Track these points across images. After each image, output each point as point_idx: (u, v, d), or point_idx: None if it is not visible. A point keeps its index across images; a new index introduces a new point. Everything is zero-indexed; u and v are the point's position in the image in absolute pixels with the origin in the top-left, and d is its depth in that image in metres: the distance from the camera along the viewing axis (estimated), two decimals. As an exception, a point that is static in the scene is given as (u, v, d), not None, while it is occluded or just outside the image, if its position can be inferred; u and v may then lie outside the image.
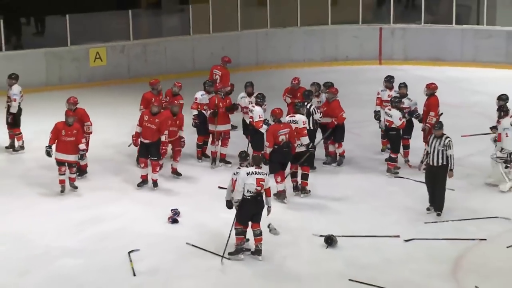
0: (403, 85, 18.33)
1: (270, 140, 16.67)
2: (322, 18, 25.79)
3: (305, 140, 17.03)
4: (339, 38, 25.67)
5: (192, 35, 25.11)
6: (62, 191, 16.72)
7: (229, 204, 14.70)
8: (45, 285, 13.91)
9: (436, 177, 15.67)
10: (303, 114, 17.31)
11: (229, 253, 14.34)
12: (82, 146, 16.39)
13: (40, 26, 25.54)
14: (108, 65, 24.06)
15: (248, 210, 14.34)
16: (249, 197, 14.18)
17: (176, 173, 18.01)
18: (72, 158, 16.43)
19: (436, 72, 22.58)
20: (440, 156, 15.45)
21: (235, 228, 14.46)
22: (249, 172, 14.29)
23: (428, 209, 15.89)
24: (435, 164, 15.54)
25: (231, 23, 25.29)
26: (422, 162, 15.94)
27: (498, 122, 17.13)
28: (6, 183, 17.91)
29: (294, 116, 17.14)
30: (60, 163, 16.64)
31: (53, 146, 16.91)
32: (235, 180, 14.42)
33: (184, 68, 24.29)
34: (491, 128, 17.36)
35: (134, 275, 14.08)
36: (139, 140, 17.09)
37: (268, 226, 15.05)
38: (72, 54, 23.90)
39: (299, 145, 16.92)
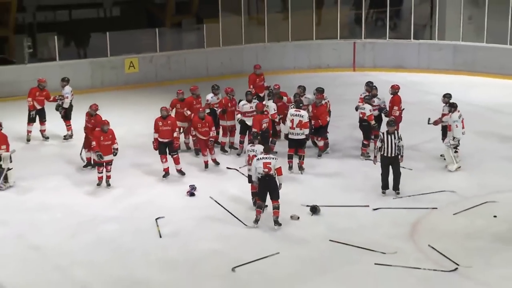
0: (374, 87, 18.29)
1: (257, 126, 16.84)
2: (308, 35, 25.70)
3: (307, 131, 17.05)
4: (322, 50, 25.58)
5: (206, 48, 25.04)
6: (99, 185, 16.40)
7: (249, 179, 14.96)
8: (91, 245, 13.98)
9: (392, 165, 15.59)
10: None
11: (254, 221, 14.48)
12: (115, 146, 16.20)
13: (86, 41, 25.37)
14: (139, 72, 23.97)
15: (262, 187, 14.37)
16: (260, 177, 14.28)
17: (215, 162, 17.75)
18: (109, 157, 16.19)
19: (398, 77, 22.46)
20: (395, 148, 15.41)
21: (256, 202, 14.66)
22: (258, 158, 14.43)
23: (383, 193, 15.78)
24: (391, 155, 15.45)
25: (237, 38, 25.21)
26: (375, 156, 15.80)
27: (444, 115, 17.20)
28: (58, 164, 17.88)
29: (299, 111, 17.07)
30: (99, 164, 16.31)
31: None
32: (251, 156, 14.89)
33: (199, 74, 24.18)
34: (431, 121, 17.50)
35: (160, 237, 14.24)
36: (158, 141, 16.75)
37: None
38: (111, 63, 23.81)
39: (301, 134, 16.93)
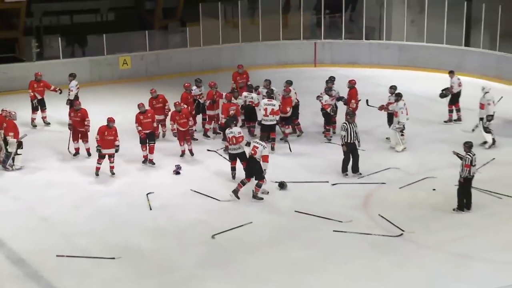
0: (330, 80, 18.30)
1: (224, 113, 16.91)
2: (276, 36, 25.63)
3: (277, 117, 17.01)
4: (288, 49, 25.50)
5: (189, 47, 24.87)
6: (97, 174, 15.92)
7: (229, 156, 15.64)
8: (91, 216, 13.97)
9: (353, 150, 15.59)
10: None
11: (232, 191, 14.52)
12: (117, 142, 15.88)
13: (86, 42, 25.11)
14: (132, 68, 23.78)
15: (247, 167, 14.64)
16: (249, 158, 14.58)
17: (191, 153, 17.26)
18: (111, 151, 15.85)
19: (352, 71, 22.52)
20: (354, 135, 15.44)
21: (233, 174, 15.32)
22: (250, 142, 14.88)
23: (346, 175, 15.68)
24: (352, 141, 15.46)
25: (215, 39, 25.07)
26: (343, 145, 15.66)
27: (390, 104, 17.28)
28: (62, 147, 17.58)
29: (272, 101, 17.04)
30: (101, 156, 15.84)
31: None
32: (230, 137, 15.16)
33: (183, 70, 24.03)
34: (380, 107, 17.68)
35: (151, 209, 14.22)
36: (143, 132, 16.48)
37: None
38: (107, 60, 23.58)
39: (273, 120, 16.89)
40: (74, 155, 17.15)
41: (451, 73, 19.32)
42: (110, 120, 15.76)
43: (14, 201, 14.64)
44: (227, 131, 15.64)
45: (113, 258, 12.22)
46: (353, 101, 17.87)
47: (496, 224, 13.36)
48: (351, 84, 18.15)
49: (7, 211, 14.15)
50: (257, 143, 14.60)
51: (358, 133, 15.63)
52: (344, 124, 15.72)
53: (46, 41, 23.78)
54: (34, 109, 19.27)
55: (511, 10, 22.31)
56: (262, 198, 14.57)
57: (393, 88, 17.49)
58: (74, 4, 25.32)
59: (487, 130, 17.17)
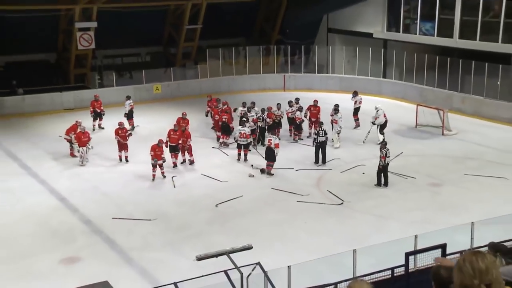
0: (294, 101, 18.10)
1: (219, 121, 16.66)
2: (258, 71, 25.51)
3: (250, 139, 15.90)
4: (266, 79, 25.30)
5: (199, 78, 24.69)
6: (153, 180, 14.40)
7: (238, 145, 15.57)
8: (135, 192, 13.83)
9: (321, 147, 15.29)
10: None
11: (261, 169, 14.72)
12: (163, 156, 14.44)
13: (131, 75, 24.86)
14: (162, 92, 23.51)
15: (266, 152, 14.70)
16: (266, 147, 14.81)
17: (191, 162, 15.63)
18: (161, 162, 14.33)
19: (309, 95, 22.27)
20: (322, 137, 15.19)
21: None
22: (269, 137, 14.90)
23: (317, 163, 15.31)
24: (320, 141, 15.22)
25: (217, 73, 24.92)
26: (314, 145, 15.52)
27: (332, 115, 16.90)
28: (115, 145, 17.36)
29: (244, 128, 15.65)
30: (154, 165, 14.28)
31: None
32: (242, 133, 15.27)
33: (195, 93, 23.79)
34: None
35: (174, 187, 14.12)
36: (167, 143, 15.03)
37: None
38: (145, 87, 23.28)
39: (246, 141, 15.59)
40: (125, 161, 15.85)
41: (355, 93, 19.28)
42: (160, 141, 14.50)
43: (85, 182, 14.52)
44: (239, 127, 15.62)
45: (149, 219, 12.20)
46: (319, 115, 17.48)
47: (403, 195, 13.43)
48: (315, 103, 17.85)
49: (80, 189, 14.07)
50: (270, 136, 14.88)
51: (321, 136, 15.25)
52: (316, 131, 15.67)
53: (105, 75, 23.57)
54: (94, 119, 18.89)
55: (411, 55, 22.42)
56: (272, 174, 14.41)
57: (336, 105, 17.08)
58: (124, 50, 25.07)
59: (380, 132, 16.95)
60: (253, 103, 17.83)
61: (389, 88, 23.51)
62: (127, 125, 17.38)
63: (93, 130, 18.67)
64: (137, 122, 18.80)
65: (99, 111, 18.96)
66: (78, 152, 15.59)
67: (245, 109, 17.27)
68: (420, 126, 18.71)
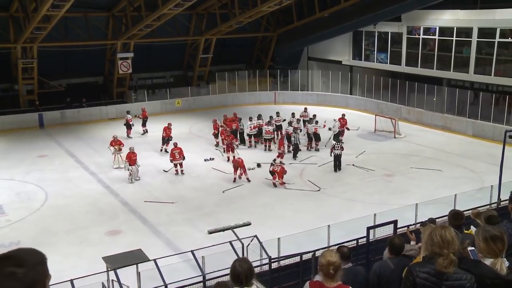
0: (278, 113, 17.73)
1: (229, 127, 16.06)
2: (255, 89, 25.36)
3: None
4: (261, 95, 25.11)
5: (210, 95, 24.54)
6: (176, 174, 13.72)
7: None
8: (163, 180, 13.55)
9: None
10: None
11: (257, 164, 14.47)
12: (185, 155, 14.00)
13: (159, 93, 24.58)
14: (182, 105, 23.39)
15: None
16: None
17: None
18: (181, 161, 13.83)
19: (294, 107, 22.24)
20: (298, 141, 14.91)
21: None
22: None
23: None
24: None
25: (224, 90, 24.78)
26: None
27: (305, 126, 16.53)
28: (139, 146, 17.17)
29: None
30: (175, 165, 13.80)
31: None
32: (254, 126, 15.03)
33: (208, 106, 23.71)
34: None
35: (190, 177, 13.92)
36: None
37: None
38: (169, 101, 23.18)
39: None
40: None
41: (305, 110, 18.80)
42: (175, 145, 14.07)
43: (124, 173, 14.21)
44: (249, 122, 15.47)
45: (173, 202, 12.09)
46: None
47: (365, 183, 13.26)
48: (342, 116, 17.36)
49: (120, 179, 13.89)
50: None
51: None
52: (293, 138, 15.34)
53: (139, 92, 23.44)
54: (143, 125, 18.54)
55: (370, 78, 22.39)
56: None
57: (313, 115, 16.98)
58: (153, 74, 24.92)
59: (334, 138, 15.88)
60: (260, 115, 17.06)
61: (354, 102, 23.51)
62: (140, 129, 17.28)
63: (142, 134, 18.40)
64: (160, 129, 17.56)
65: (145, 118, 18.70)
66: (128, 170, 13.55)
67: (277, 117, 17.19)
68: (377, 131, 18.66)
